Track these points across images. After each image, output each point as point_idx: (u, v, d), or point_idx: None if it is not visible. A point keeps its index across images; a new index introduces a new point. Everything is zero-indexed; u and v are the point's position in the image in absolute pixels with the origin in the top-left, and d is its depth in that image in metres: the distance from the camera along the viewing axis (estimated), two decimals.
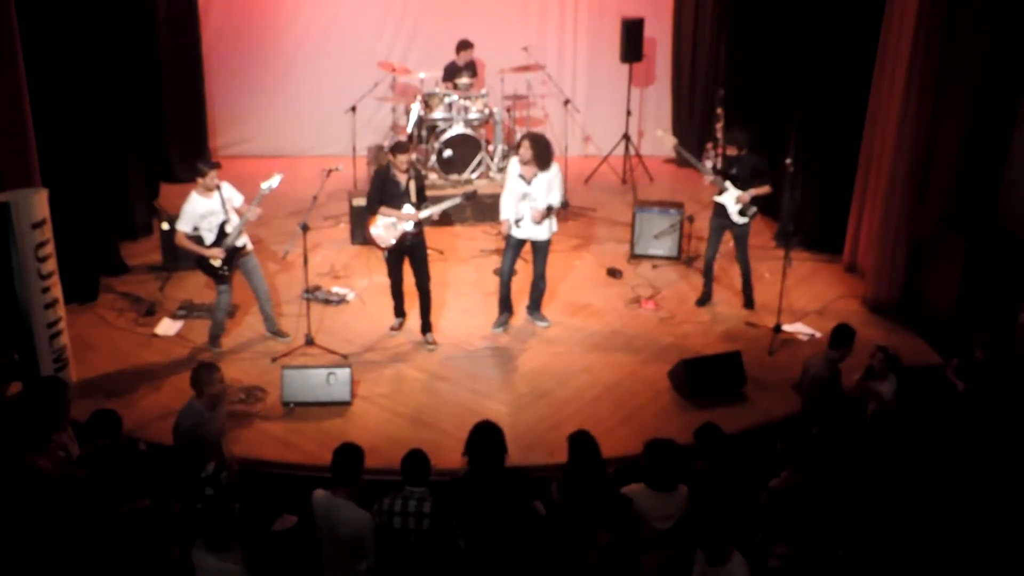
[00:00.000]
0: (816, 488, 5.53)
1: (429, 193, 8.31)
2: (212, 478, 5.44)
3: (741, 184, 8.41)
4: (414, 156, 8.09)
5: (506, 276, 8.36)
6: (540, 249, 8.25)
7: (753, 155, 8.59)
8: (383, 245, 7.97)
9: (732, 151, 8.55)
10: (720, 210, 8.58)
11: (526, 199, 8.03)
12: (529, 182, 7.98)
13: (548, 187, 7.96)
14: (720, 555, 4.75)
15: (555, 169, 8.00)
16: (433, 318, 8.33)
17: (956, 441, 6.36)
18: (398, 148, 7.78)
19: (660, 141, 9.16)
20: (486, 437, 5.40)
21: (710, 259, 8.84)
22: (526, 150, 7.88)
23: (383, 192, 7.87)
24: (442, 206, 8.05)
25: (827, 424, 6.54)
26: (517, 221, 8.10)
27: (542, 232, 8.11)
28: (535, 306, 8.58)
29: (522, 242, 8.24)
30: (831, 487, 5.70)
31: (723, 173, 8.52)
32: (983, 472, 6.10)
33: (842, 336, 6.77)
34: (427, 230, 8.17)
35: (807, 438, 5.80)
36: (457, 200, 8.28)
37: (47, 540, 5.16)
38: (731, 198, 8.46)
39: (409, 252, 8.01)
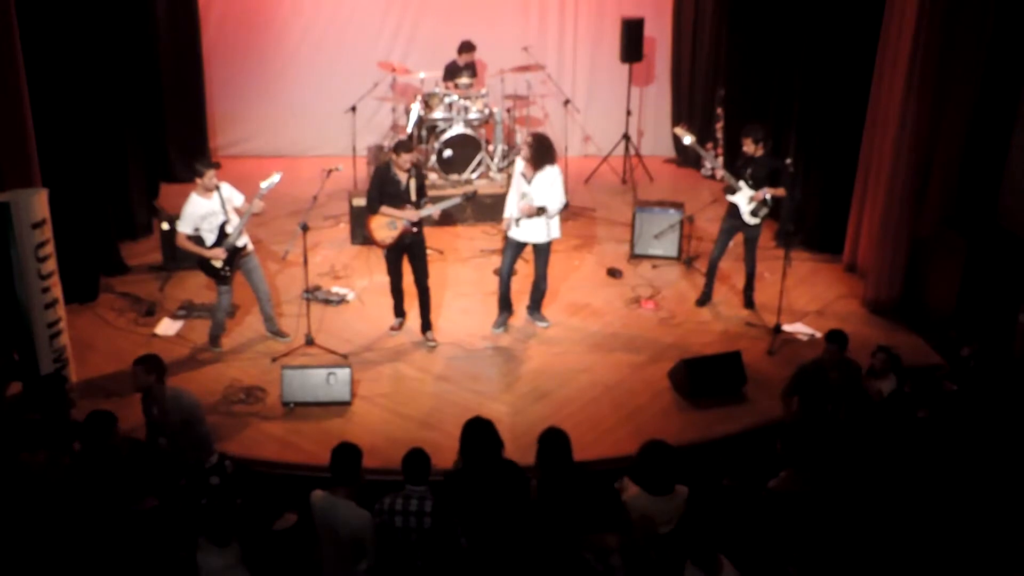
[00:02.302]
0: (816, 489, 5.52)
1: (429, 193, 8.30)
2: (217, 467, 5.44)
3: (755, 184, 8.34)
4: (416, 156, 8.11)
5: (505, 276, 8.35)
6: (540, 252, 8.23)
7: (774, 158, 8.54)
8: (383, 243, 7.98)
9: (748, 147, 8.34)
10: (733, 211, 8.49)
11: (525, 198, 8.04)
12: (529, 181, 7.99)
13: (547, 188, 7.95)
14: (710, 565, 4.61)
15: (555, 171, 7.99)
16: (433, 318, 8.33)
17: (938, 437, 6.32)
18: (401, 147, 7.76)
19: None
20: (478, 433, 5.40)
21: (715, 259, 8.77)
22: (525, 148, 7.92)
23: (383, 191, 7.86)
24: (442, 205, 8.05)
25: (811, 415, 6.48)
26: (516, 221, 8.10)
27: (539, 235, 8.10)
28: (535, 306, 8.58)
29: (522, 244, 8.24)
30: (831, 487, 5.69)
31: (737, 172, 8.45)
32: (975, 470, 6.08)
33: (833, 337, 6.79)
34: (427, 230, 8.17)
35: (807, 438, 5.78)
36: (457, 200, 8.28)
37: (49, 539, 5.16)
38: (744, 197, 8.37)
39: (408, 250, 8.01)
